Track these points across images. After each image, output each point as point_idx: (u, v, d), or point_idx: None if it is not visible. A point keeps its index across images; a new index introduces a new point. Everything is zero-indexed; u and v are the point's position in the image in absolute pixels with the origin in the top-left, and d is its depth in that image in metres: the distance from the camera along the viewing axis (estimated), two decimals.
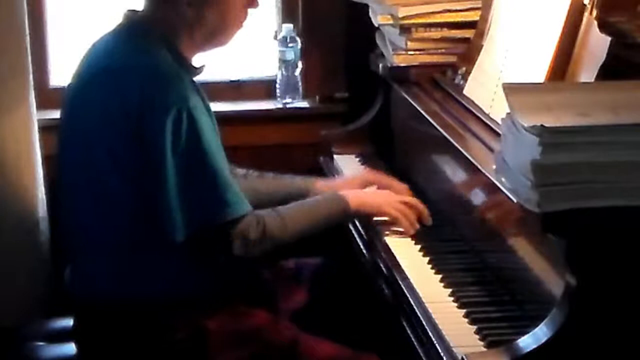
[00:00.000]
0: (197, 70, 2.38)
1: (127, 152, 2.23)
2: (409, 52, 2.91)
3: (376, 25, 3.04)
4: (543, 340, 1.74)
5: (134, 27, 2.34)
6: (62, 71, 3.18)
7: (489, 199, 2.20)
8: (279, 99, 3.36)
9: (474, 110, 2.49)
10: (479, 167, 2.20)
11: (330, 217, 2.44)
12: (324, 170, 3.01)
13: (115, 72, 2.28)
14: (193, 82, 2.33)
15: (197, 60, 2.39)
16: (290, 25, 3.31)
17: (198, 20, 2.31)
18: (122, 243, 2.29)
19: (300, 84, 3.36)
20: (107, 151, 2.25)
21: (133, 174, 2.24)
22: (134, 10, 2.37)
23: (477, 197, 2.30)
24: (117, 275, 2.31)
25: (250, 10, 2.38)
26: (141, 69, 2.27)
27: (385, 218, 2.49)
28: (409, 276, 2.24)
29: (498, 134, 2.10)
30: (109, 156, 2.25)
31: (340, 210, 2.45)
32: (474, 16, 2.79)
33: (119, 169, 2.25)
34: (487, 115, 2.41)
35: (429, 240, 2.42)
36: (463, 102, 2.57)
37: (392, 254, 2.37)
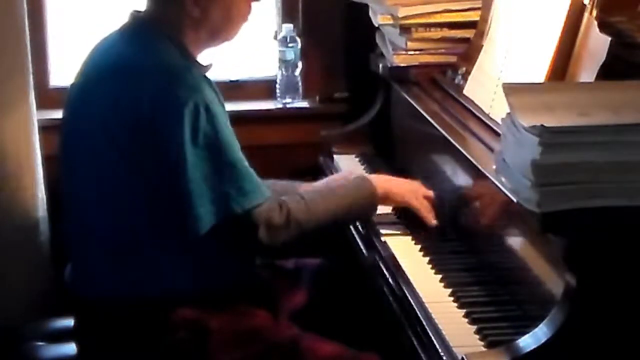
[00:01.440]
0: (205, 68, 2.38)
1: (139, 149, 2.22)
2: (409, 52, 2.92)
3: (376, 25, 3.04)
4: (543, 340, 1.74)
5: (140, 27, 2.34)
6: (62, 71, 3.18)
7: (489, 199, 2.20)
8: (279, 99, 3.36)
9: (474, 110, 2.49)
10: (479, 167, 2.20)
11: (357, 201, 2.41)
12: (324, 170, 3.01)
13: (124, 70, 2.28)
14: (205, 77, 2.33)
15: (204, 57, 2.39)
16: (290, 25, 3.31)
17: (203, 17, 2.32)
18: (124, 242, 2.28)
19: (300, 84, 3.35)
20: (117, 149, 2.24)
21: (145, 170, 2.23)
22: (139, 10, 2.38)
23: (477, 197, 2.30)
24: (118, 274, 2.31)
25: (253, 4, 2.38)
26: (151, 67, 2.27)
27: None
28: (409, 276, 2.24)
29: (498, 134, 2.10)
30: (118, 154, 2.24)
31: (367, 195, 2.42)
32: (474, 16, 2.80)
33: (129, 166, 2.24)
34: (487, 115, 2.41)
35: (429, 240, 2.42)
36: (463, 102, 2.57)
37: (392, 254, 2.37)
